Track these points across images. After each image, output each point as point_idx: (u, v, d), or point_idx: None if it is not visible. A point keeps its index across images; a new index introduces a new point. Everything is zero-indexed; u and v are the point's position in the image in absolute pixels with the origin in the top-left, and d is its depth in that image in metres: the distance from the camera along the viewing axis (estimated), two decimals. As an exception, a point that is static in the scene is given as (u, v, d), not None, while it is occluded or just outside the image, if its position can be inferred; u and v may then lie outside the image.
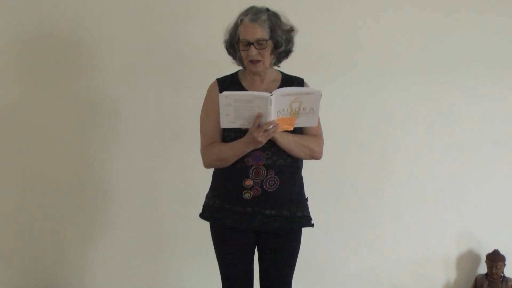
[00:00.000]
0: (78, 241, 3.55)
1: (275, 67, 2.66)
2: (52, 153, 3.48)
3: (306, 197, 2.69)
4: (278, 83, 2.61)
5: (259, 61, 2.51)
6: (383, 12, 3.62)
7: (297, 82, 2.65)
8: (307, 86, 2.66)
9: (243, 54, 2.52)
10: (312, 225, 2.68)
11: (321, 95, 2.40)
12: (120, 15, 3.44)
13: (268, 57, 2.52)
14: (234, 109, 2.36)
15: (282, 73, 2.67)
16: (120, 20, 3.44)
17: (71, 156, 3.49)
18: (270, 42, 2.49)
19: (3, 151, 3.46)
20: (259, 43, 2.47)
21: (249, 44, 2.47)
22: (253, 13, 2.47)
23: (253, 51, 2.47)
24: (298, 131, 2.56)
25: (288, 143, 2.52)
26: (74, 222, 3.54)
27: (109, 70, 3.46)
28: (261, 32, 2.46)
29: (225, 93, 2.36)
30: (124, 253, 3.58)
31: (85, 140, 3.49)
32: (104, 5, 3.42)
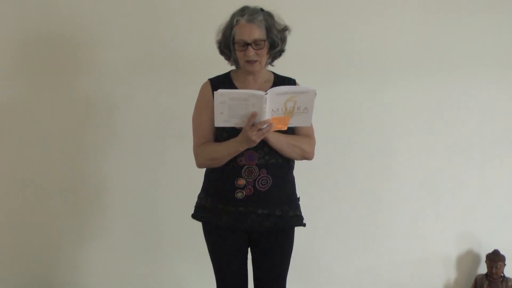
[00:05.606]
0: (74, 241, 3.55)
1: (268, 67, 2.66)
2: (49, 152, 3.48)
3: (297, 196, 2.69)
4: (271, 83, 2.60)
5: (256, 61, 2.50)
6: (383, 12, 3.62)
7: (289, 82, 2.65)
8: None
9: (239, 54, 2.51)
10: (304, 225, 2.67)
11: (315, 94, 2.38)
12: (118, 14, 3.44)
13: (265, 57, 2.52)
14: (228, 108, 2.35)
15: (274, 74, 2.66)
16: (118, 20, 3.44)
17: (67, 155, 3.49)
18: (267, 42, 2.49)
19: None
20: (256, 43, 2.47)
21: (246, 44, 2.46)
22: (249, 14, 2.46)
23: (251, 51, 2.47)
24: (290, 131, 2.55)
25: (280, 143, 2.51)
26: (71, 221, 3.54)
27: (106, 69, 3.46)
28: (258, 32, 2.46)
29: (220, 91, 2.35)
30: (120, 252, 3.58)
31: (81, 140, 3.49)
32: (102, 5, 3.42)
